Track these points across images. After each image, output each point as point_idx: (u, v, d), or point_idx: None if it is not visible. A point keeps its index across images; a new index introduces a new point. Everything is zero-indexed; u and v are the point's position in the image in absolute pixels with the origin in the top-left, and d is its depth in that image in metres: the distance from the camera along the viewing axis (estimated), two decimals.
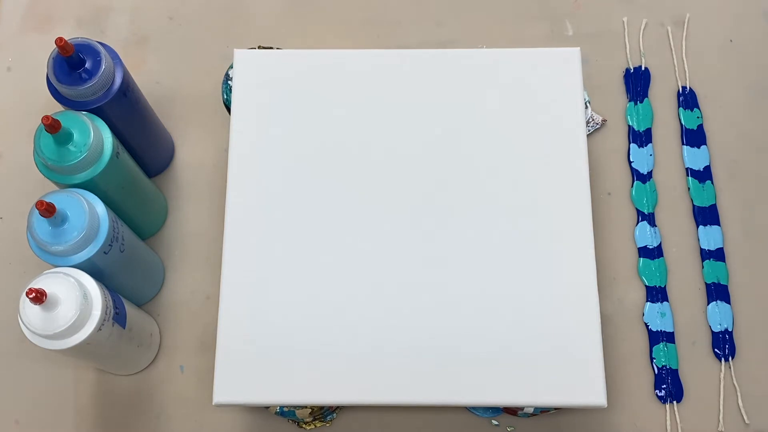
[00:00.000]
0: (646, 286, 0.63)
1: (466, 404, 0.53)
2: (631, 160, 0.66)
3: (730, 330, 0.62)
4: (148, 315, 0.61)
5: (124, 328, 0.53)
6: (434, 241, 0.53)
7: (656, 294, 0.62)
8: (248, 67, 0.57)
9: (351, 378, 0.51)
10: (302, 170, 0.55)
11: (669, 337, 0.61)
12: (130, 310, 0.55)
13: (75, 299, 0.48)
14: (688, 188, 0.65)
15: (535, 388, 0.50)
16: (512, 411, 0.59)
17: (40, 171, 0.53)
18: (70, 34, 0.60)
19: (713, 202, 0.65)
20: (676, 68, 0.69)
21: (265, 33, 0.70)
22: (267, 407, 0.58)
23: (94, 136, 0.51)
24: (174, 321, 0.62)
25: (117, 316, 0.52)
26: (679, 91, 0.68)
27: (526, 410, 0.58)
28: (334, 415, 0.60)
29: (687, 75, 0.68)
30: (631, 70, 0.69)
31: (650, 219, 0.64)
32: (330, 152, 0.55)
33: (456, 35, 0.70)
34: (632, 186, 0.65)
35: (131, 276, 0.58)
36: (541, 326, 0.51)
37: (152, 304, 0.63)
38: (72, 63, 0.52)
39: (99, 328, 0.49)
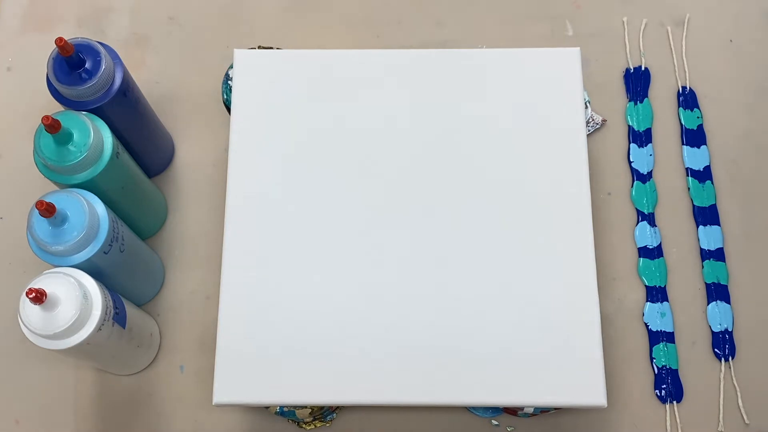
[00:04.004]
0: (646, 286, 0.63)
1: (466, 404, 0.53)
2: (631, 160, 0.66)
3: (730, 330, 0.62)
4: (148, 315, 0.61)
5: (124, 328, 0.53)
6: (434, 240, 0.53)
7: (656, 294, 0.62)
8: (248, 67, 0.57)
9: (351, 378, 0.51)
10: (302, 170, 0.55)
11: (669, 337, 0.61)
12: (130, 310, 0.55)
13: (75, 299, 0.48)
14: (688, 188, 0.65)
15: (535, 388, 0.50)
16: (512, 411, 0.59)
17: (40, 171, 0.53)
18: (70, 34, 0.60)
19: (713, 202, 0.65)
20: (676, 68, 0.69)
21: (265, 33, 0.70)
22: (267, 407, 0.58)
23: (94, 136, 0.51)
24: (174, 321, 0.62)
25: (117, 316, 0.52)
26: (679, 91, 0.68)
27: (526, 410, 0.58)
28: (334, 415, 0.60)
29: (687, 75, 0.68)
30: (631, 70, 0.69)
31: (650, 219, 0.64)
32: (330, 152, 0.55)
33: (456, 35, 0.70)
34: (632, 186, 0.65)
35: (131, 276, 0.58)
36: (541, 326, 0.51)
37: (152, 304, 0.63)
38: (72, 63, 0.52)
39: (99, 328, 0.49)
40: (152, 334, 0.60)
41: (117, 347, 0.54)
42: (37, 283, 0.48)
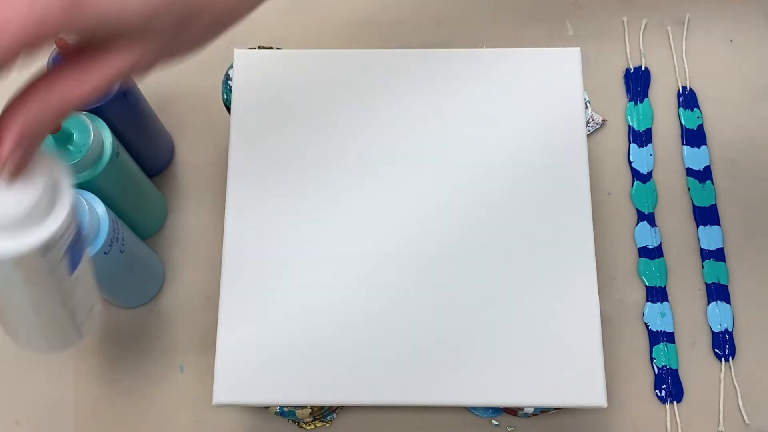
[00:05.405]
0: (646, 286, 0.63)
1: (466, 404, 0.53)
2: (631, 160, 0.66)
3: (730, 330, 0.62)
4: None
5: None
6: (434, 240, 0.53)
7: (656, 294, 0.62)
8: (248, 67, 0.57)
9: (351, 378, 0.51)
10: (302, 170, 0.55)
11: (669, 337, 0.61)
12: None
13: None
14: (688, 188, 0.65)
15: (535, 388, 0.50)
16: (512, 411, 0.59)
17: None
18: None
19: (713, 202, 0.65)
20: (676, 68, 0.69)
21: (265, 33, 0.70)
22: (267, 407, 0.58)
23: (94, 137, 0.51)
24: (174, 321, 0.62)
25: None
26: (679, 91, 0.68)
27: (526, 410, 0.58)
28: (334, 415, 0.60)
29: (687, 75, 0.68)
30: (631, 70, 0.69)
31: (650, 219, 0.64)
32: (330, 152, 0.55)
33: (456, 35, 0.70)
34: (632, 186, 0.65)
35: (131, 276, 0.58)
36: (541, 326, 0.51)
37: (152, 304, 0.63)
38: None
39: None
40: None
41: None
42: None
